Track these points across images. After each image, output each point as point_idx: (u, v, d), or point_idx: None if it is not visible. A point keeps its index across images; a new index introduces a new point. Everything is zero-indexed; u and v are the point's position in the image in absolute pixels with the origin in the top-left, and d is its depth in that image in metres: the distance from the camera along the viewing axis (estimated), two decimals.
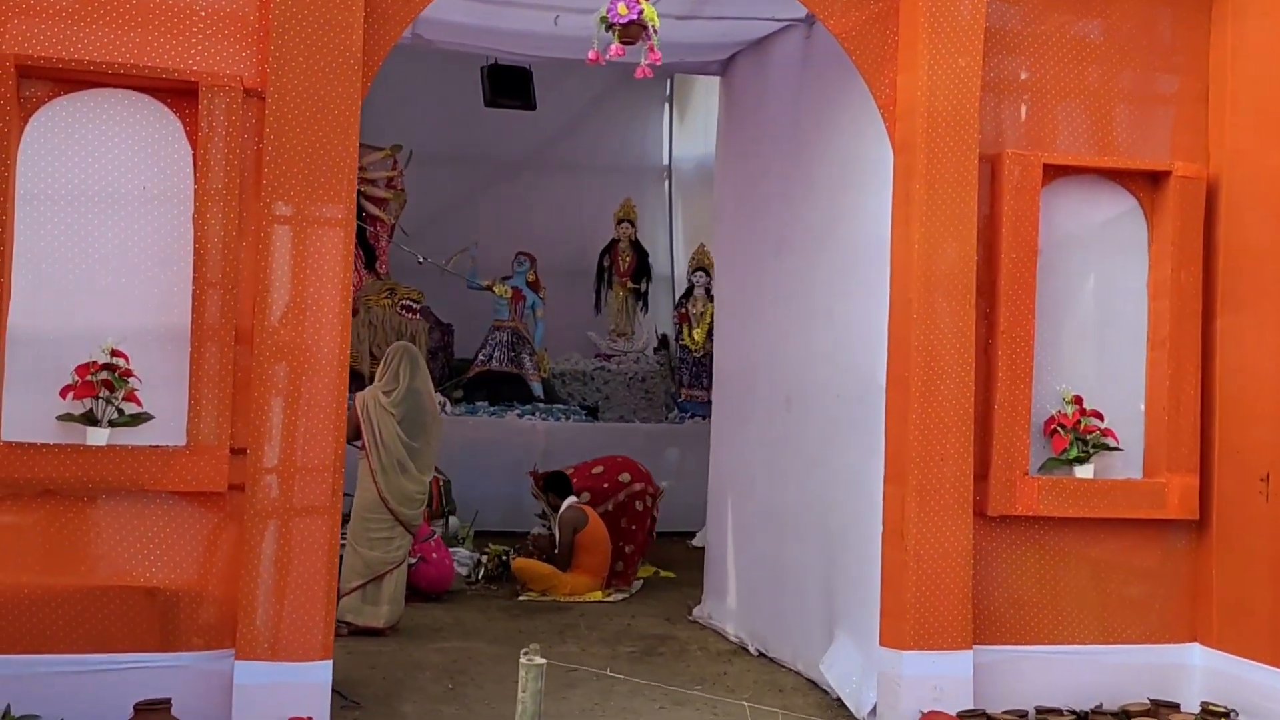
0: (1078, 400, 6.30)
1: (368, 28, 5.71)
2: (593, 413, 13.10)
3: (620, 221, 14.15)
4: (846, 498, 6.66)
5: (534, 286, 13.34)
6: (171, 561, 5.55)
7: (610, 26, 5.93)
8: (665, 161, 15.55)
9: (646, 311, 14.28)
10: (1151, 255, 6.47)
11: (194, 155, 5.57)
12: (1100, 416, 6.30)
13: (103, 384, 5.38)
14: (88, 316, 5.47)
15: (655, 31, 5.92)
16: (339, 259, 5.65)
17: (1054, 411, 6.31)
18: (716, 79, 14.13)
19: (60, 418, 5.39)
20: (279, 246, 5.61)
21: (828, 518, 6.85)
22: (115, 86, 5.51)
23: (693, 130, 15.08)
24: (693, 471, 12.53)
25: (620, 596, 9.57)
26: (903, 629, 6.04)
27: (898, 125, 6.23)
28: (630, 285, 14.10)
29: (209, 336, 5.52)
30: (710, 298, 13.08)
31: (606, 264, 14.16)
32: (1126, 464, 6.42)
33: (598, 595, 9.48)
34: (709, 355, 13.05)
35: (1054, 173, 6.32)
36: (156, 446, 5.47)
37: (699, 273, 13.15)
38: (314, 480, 5.63)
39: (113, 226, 5.52)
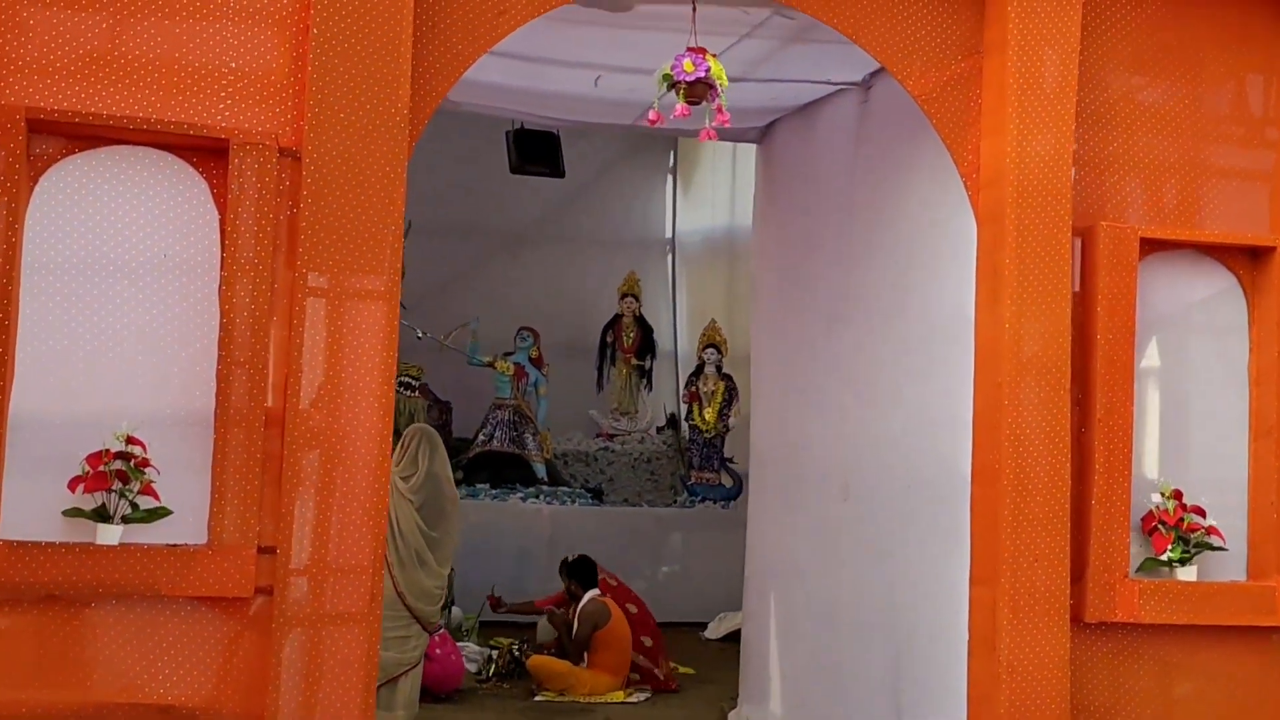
0: (1177, 495, 5.77)
1: (414, 83, 5.19)
2: (598, 495, 12.52)
3: (624, 296, 13.65)
4: (918, 598, 6.10)
5: (537, 363, 12.80)
6: (189, 675, 4.91)
7: (674, 85, 5.45)
8: (669, 234, 15.07)
9: (650, 389, 13.74)
10: (1253, 337, 5.97)
11: (222, 220, 5.00)
12: (1202, 513, 5.77)
13: (116, 475, 4.77)
14: (100, 399, 4.86)
15: (723, 91, 5.45)
16: (380, 336, 5.08)
17: (1151, 507, 5.77)
18: (725, 150, 13.87)
19: (67, 513, 4.78)
20: (313, 321, 5.03)
21: (895, 619, 6.29)
22: (135, 144, 4.94)
23: (698, 202, 14.64)
24: (704, 558, 12.03)
25: (643, 697, 8.97)
26: None
27: (982, 194, 5.74)
28: (634, 362, 13.57)
29: (235, 421, 4.92)
30: (722, 376, 12.57)
31: (609, 340, 13.64)
32: (1227, 565, 5.87)
33: (619, 696, 8.89)
34: (720, 436, 12.56)
35: (1147, 248, 5.82)
36: (175, 545, 4.86)
37: (710, 350, 12.63)
38: (349, 583, 5.03)
39: (130, 299, 4.93)
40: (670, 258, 15.03)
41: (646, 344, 13.64)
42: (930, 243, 6.18)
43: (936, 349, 6.06)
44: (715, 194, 14.12)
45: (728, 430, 12.49)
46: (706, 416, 12.49)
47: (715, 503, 12.40)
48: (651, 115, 5.46)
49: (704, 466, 12.56)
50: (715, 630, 11.46)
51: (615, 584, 9.67)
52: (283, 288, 5.04)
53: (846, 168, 7.05)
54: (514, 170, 11.77)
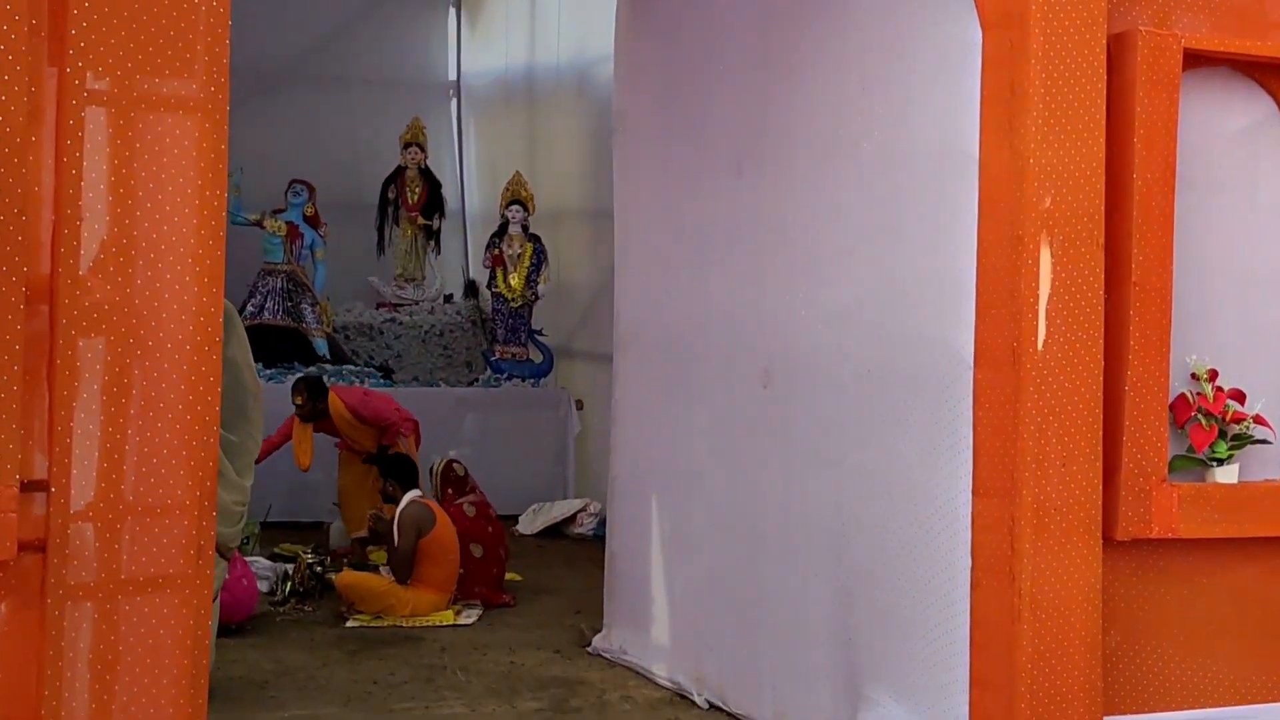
0: (1212, 375, 4.62)
1: None
2: (387, 374, 10.92)
3: (407, 145, 11.85)
4: (879, 513, 4.83)
5: (313, 222, 11.00)
6: None
7: None
8: (452, 77, 13.32)
9: (439, 253, 12.10)
10: None
11: None
12: (1241, 398, 4.64)
13: None
14: None
15: None
16: (198, 166, 3.46)
17: (1185, 391, 4.61)
18: None
19: None
20: (94, 144, 3.37)
21: (844, 538, 5.01)
22: None
23: (488, 39, 12.92)
24: (514, 443, 10.61)
25: (474, 615, 7.54)
26: (1015, 702, 4.26)
27: None
28: (421, 221, 11.87)
29: None
30: (529, 237, 11.02)
31: (392, 196, 11.89)
32: (1262, 460, 4.77)
33: (447, 616, 7.44)
34: (528, 306, 11.07)
35: (1186, 63, 4.58)
36: None
37: (515, 206, 11.00)
38: (160, 531, 3.45)
39: None
40: (455, 103, 13.30)
41: (434, 201, 11.93)
42: (898, 56, 4.81)
43: (912, 194, 4.73)
44: (511, 31, 12.43)
45: (536, 299, 10.99)
46: (512, 283, 10.93)
47: (524, 380, 10.94)
48: None
49: (509, 340, 11.04)
50: (529, 524, 10.10)
51: (462, 474, 8.25)
52: (44, 93, 3.35)
53: None
54: None
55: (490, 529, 7.99)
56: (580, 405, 10.84)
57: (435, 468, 8.19)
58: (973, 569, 4.40)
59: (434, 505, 7.67)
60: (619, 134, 6.72)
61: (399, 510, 7.54)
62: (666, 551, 6.20)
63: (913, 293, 4.71)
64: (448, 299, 12.11)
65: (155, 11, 3.38)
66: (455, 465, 8.27)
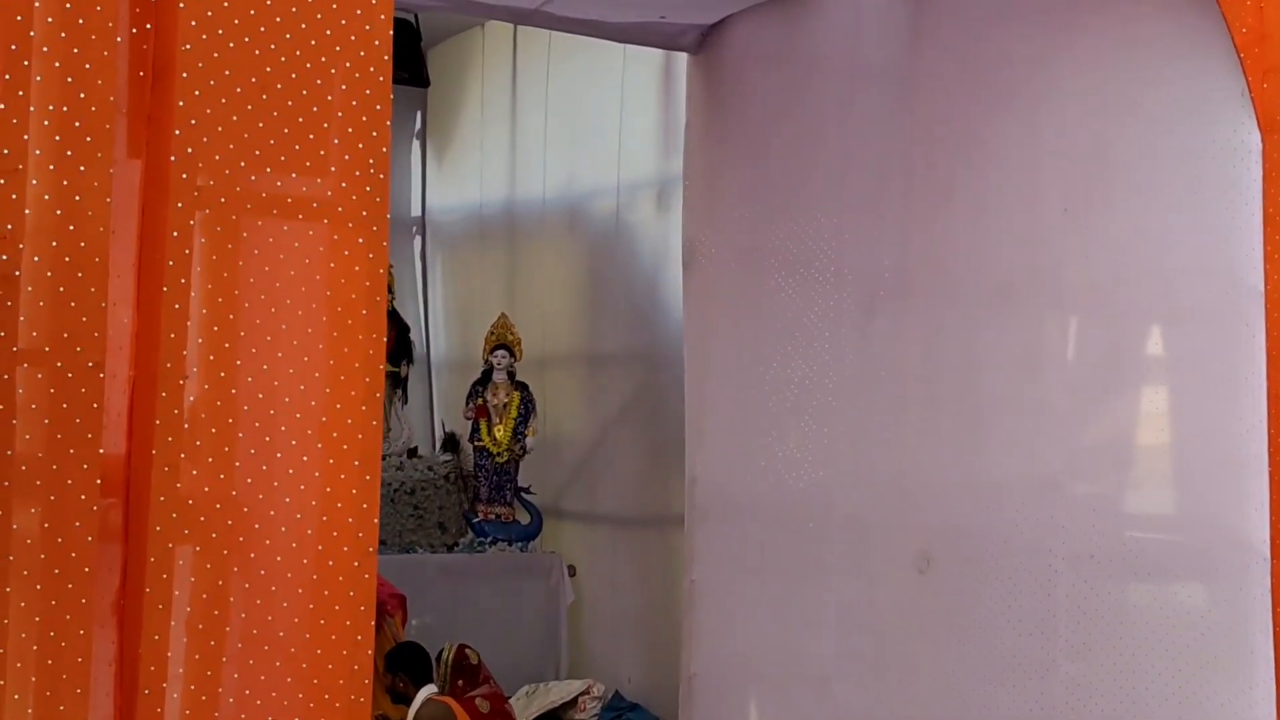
0: None
1: None
2: None
3: None
4: None
5: None
6: None
7: None
8: (417, 213, 12.33)
9: (406, 403, 11.00)
10: None
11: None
12: None
13: None
14: None
15: None
16: (348, 297, 2.43)
17: None
18: (500, 109, 11.38)
19: None
20: (202, 269, 2.33)
21: None
22: None
23: (458, 175, 11.96)
24: (503, 616, 9.44)
25: None
26: None
27: (1270, 79, 3.54)
28: (388, 368, 10.79)
29: (29, 489, 2.18)
30: (516, 385, 9.99)
31: None
32: None
33: None
34: (515, 461, 9.98)
35: None
36: None
37: (500, 352, 9.95)
38: None
39: None
40: (419, 241, 12.30)
41: (402, 346, 10.87)
42: (1122, 168, 3.93)
43: (1147, 337, 3.84)
44: (487, 162, 11.49)
45: (524, 453, 9.91)
46: (498, 436, 9.84)
47: (510, 544, 9.81)
48: None
49: (494, 499, 9.88)
50: (523, 711, 8.88)
51: (475, 663, 7.08)
52: (125, 188, 2.33)
53: (901, 71, 4.72)
54: None
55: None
56: (573, 571, 9.72)
57: (445, 656, 7.04)
58: None
59: (453, 704, 6.49)
60: (691, 271, 5.74)
61: (413, 711, 6.36)
62: None
63: (1156, 460, 3.78)
64: (412, 453, 11.02)
65: (288, 81, 2.37)
66: (469, 652, 7.12)
